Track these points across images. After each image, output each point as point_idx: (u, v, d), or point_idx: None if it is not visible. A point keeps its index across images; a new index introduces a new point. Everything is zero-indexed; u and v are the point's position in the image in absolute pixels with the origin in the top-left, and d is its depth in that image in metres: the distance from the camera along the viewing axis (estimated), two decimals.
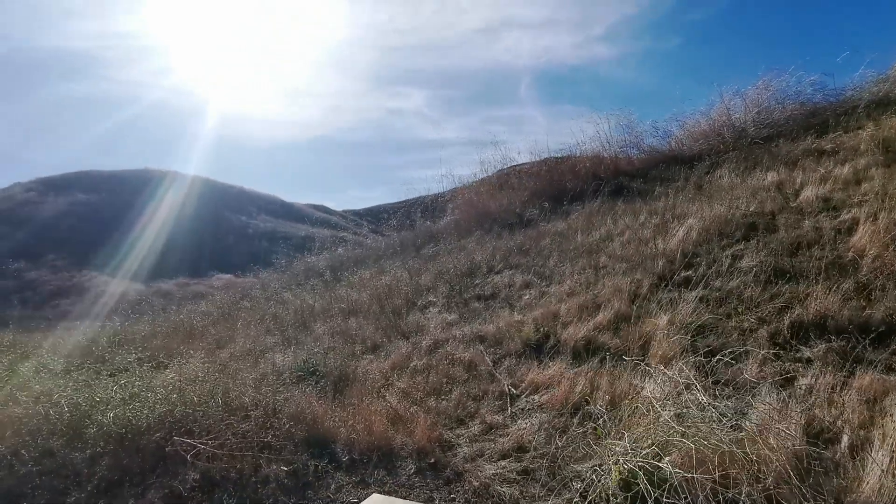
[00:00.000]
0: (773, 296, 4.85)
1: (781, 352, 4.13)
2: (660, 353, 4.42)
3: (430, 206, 13.39)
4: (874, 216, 5.52)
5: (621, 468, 2.80)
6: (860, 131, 7.96)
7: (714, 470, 2.61)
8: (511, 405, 4.38)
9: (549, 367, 4.76)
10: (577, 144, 11.86)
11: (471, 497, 3.36)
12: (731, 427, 2.97)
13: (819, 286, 4.71)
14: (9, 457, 3.82)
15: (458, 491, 3.44)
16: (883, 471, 2.76)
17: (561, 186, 10.56)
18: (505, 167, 12.77)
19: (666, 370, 3.70)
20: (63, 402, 4.19)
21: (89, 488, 3.50)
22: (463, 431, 4.15)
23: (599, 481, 2.87)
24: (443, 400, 4.63)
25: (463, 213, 11.45)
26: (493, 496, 3.29)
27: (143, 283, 20.37)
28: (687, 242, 6.22)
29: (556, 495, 3.12)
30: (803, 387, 3.65)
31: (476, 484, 3.42)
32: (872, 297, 4.51)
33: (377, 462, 3.82)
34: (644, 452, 2.81)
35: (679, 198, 7.88)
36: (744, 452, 2.68)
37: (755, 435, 2.85)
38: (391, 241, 11.97)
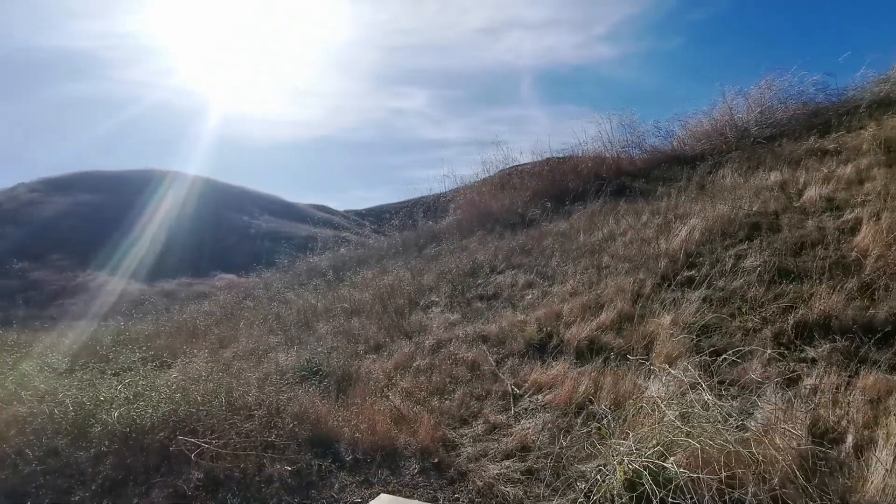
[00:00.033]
0: (776, 296, 4.84)
1: (786, 352, 4.13)
2: (664, 352, 4.42)
3: (432, 206, 13.39)
4: (877, 216, 5.52)
5: (626, 468, 2.80)
6: (862, 131, 7.96)
7: (720, 470, 2.61)
8: (514, 405, 4.38)
9: (553, 366, 4.76)
10: (580, 144, 11.85)
11: (475, 497, 3.36)
12: (737, 427, 2.97)
13: (823, 286, 4.71)
14: (13, 456, 3.83)
15: (461, 491, 3.44)
16: (887, 470, 2.76)
17: (563, 186, 10.55)
18: (507, 167, 12.76)
19: (671, 370, 3.68)
20: (68, 401, 4.20)
21: (93, 487, 3.50)
22: (466, 431, 4.15)
23: (604, 481, 2.87)
24: (446, 400, 4.63)
25: (465, 212, 11.45)
26: (497, 496, 3.29)
27: (145, 283, 20.40)
28: (690, 242, 6.22)
29: (560, 495, 3.12)
30: (808, 387, 3.65)
31: (480, 484, 3.42)
32: (876, 297, 4.51)
33: (381, 462, 3.82)
34: (649, 452, 2.81)
35: (682, 198, 7.87)
36: (750, 453, 2.68)
37: (761, 435, 2.85)
38: (393, 240, 11.96)
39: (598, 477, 2.95)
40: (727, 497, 2.57)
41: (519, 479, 3.42)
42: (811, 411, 3.31)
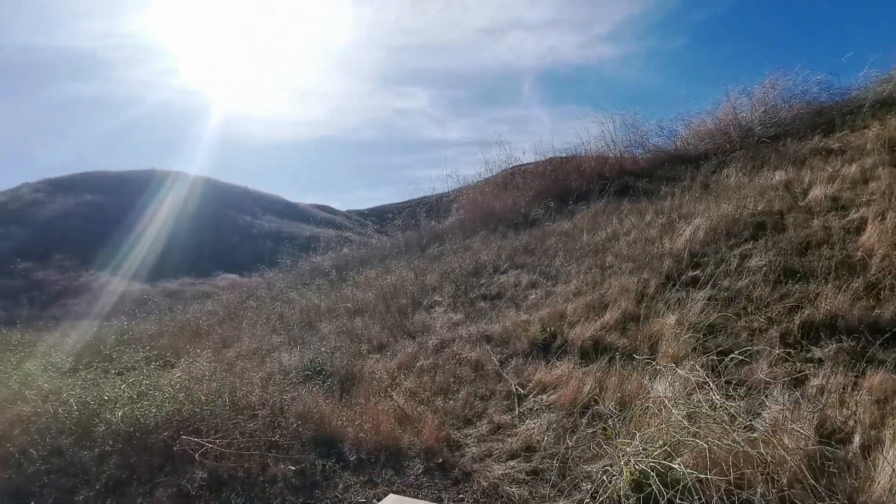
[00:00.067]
0: (782, 295, 4.82)
1: (792, 352, 4.10)
2: (669, 352, 4.40)
3: (434, 206, 13.38)
4: (882, 215, 5.50)
5: (632, 469, 2.78)
6: (866, 131, 7.93)
7: (729, 471, 2.59)
8: (519, 405, 4.36)
9: (557, 366, 4.74)
10: (582, 144, 11.83)
11: (480, 497, 3.34)
12: (745, 427, 2.95)
13: (829, 286, 4.69)
14: (17, 455, 3.83)
15: (466, 491, 3.42)
16: (894, 470, 2.74)
17: (566, 186, 10.53)
18: (510, 167, 12.73)
19: (679, 369, 3.67)
20: (72, 400, 4.20)
21: (98, 487, 3.50)
22: (471, 431, 4.14)
23: (610, 482, 2.86)
24: (450, 400, 4.62)
25: (468, 212, 11.44)
26: (503, 496, 3.28)
27: (148, 283, 20.43)
28: (694, 242, 6.19)
29: (566, 496, 3.10)
30: (815, 387, 3.63)
31: (485, 484, 3.41)
32: (882, 297, 4.49)
33: (385, 462, 3.81)
34: (656, 453, 2.79)
35: (685, 197, 7.84)
36: (758, 453, 2.66)
37: (769, 435, 2.83)
38: (396, 240, 11.96)
39: (605, 478, 2.93)
40: (735, 498, 2.56)
41: (524, 479, 3.40)
42: (818, 412, 3.29)
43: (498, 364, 5.08)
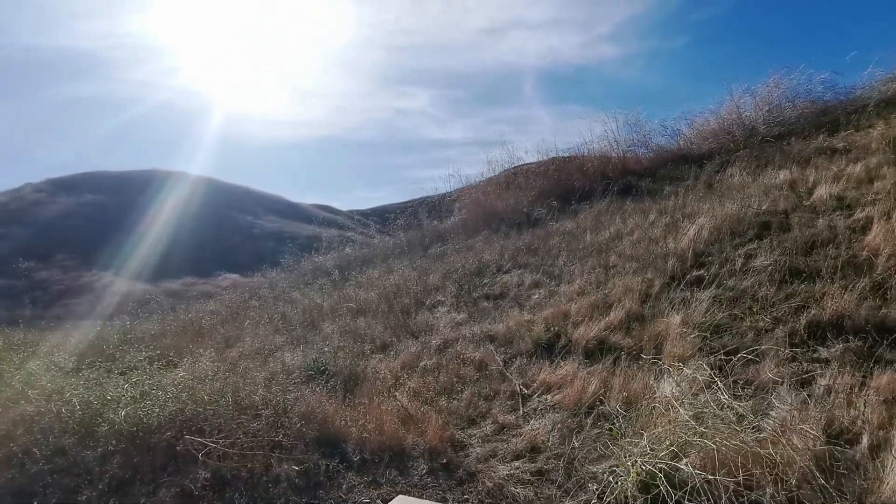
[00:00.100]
0: (788, 295, 4.79)
1: (798, 352, 4.08)
2: (674, 352, 4.38)
3: (436, 206, 13.34)
4: (888, 215, 5.48)
5: (639, 469, 2.76)
6: (871, 130, 7.91)
7: (738, 471, 2.57)
8: (523, 405, 4.34)
9: (561, 366, 4.72)
10: (585, 143, 11.81)
11: (484, 498, 3.32)
12: (753, 428, 2.92)
13: (835, 285, 4.66)
14: (20, 455, 3.81)
15: (471, 492, 3.40)
16: None
17: (569, 186, 10.51)
18: (512, 166, 12.71)
19: (686, 369, 3.64)
20: (75, 399, 4.18)
21: (101, 486, 3.48)
22: (475, 431, 4.12)
23: (617, 483, 2.83)
24: (454, 400, 4.60)
25: (470, 212, 11.42)
26: (508, 497, 3.26)
27: (150, 283, 20.45)
28: (698, 241, 6.17)
29: (571, 497, 3.08)
30: (822, 387, 3.60)
31: (490, 485, 3.39)
32: (888, 297, 4.47)
33: (389, 462, 3.79)
34: (663, 454, 2.77)
35: (689, 197, 7.82)
36: (767, 453, 2.63)
37: (778, 435, 2.80)
38: (398, 240, 11.93)
39: (611, 478, 2.91)
40: (744, 499, 2.54)
41: (529, 480, 3.38)
42: (826, 412, 3.26)
43: (502, 364, 5.06)
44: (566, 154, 12.20)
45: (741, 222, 6.23)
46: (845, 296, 4.47)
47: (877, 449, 3.01)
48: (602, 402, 4.02)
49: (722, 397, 3.06)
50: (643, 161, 10.84)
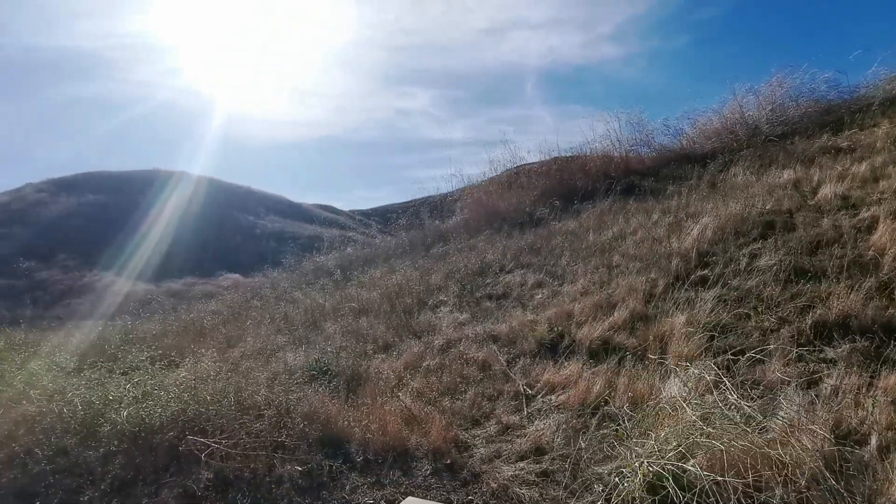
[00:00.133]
0: (793, 295, 4.76)
1: (804, 352, 4.05)
2: (679, 352, 4.35)
3: (438, 206, 13.31)
4: (893, 214, 5.45)
5: (646, 470, 2.73)
6: (875, 129, 7.88)
7: (747, 472, 2.54)
8: (527, 405, 4.31)
9: (565, 367, 4.70)
10: (587, 143, 11.79)
11: (489, 499, 3.30)
12: (761, 429, 2.89)
13: (841, 285, 4.63)
14: (22, 455, 3.81)
15: (475, 493, 3.38)
16: None
17: (571, 185, 10.48)
18: (514, 166, 12.69)
19: (695, 369, 3.61)
20: (76, 400, 4.17)
21: (103, 487, 3.47)
22: (479, 432, 4.09)
23: (623, 484, 2.80)
24: (457, 400, 4.57)
25: (472, 212, 11.40)
26: (513, 498, 3.23)
27: (152, 283, 20.44)
28: (702, 241, 6.14)
29: (577, 498, 3.06)
30: (829, 388, 3.57)
31: (494, 485, 3.36)
32: (895, 297, 4.43)
33: (392, 463, 3.77)
34: (670, 455, 2.74)
35: (692, 196, 7.79)
36: (777, 454, 2.60)
37: (788, 436, 2.77)
38: (400, 240, 11.91)
39: (617, 479, 2.88)
40: (754, 500, 2.51)
41: (534, 481, 3.35)
42: (834, 413, 3.23)
43: (505, 364, 5.03)
44: (568, 154, 12.19)
45: (745, 222, 6.20)
46: (851, 296, 4.44)
47: (885, 450, 2.98)
48: (607, 403, 3.99)
49: (730, 397, 3.02)
50: (646, 160, 10.81)
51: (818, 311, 4.43)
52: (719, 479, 2.53)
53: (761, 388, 3.64)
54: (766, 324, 4.51)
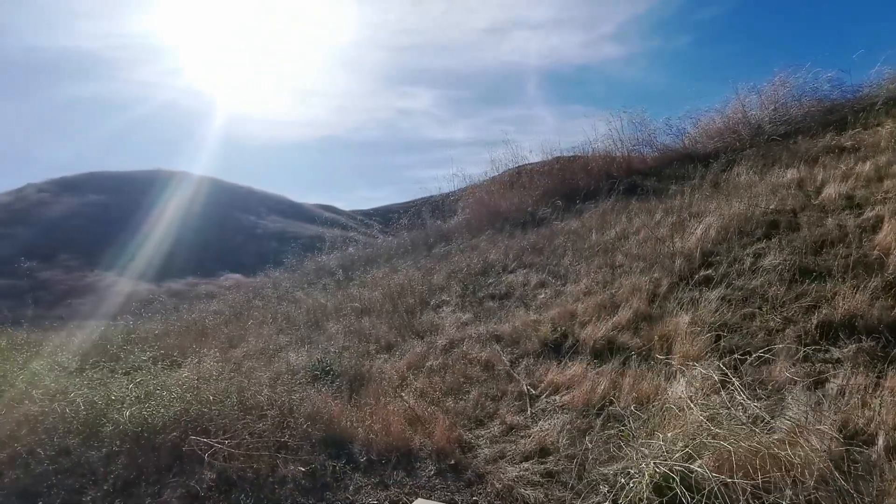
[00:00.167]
0: (798, 295, 4.74)
1: (810, 352, 4.02)
2: (684, 352, 4.32)
3: (440, 206, 13.28)
4: None
5: (653, 471, 2.71)
6: (879, 128, 7.85)
7: (756, 473, 2.52)
8: (531, 406, 4.29)
9: (569, 367, 4.68)
10: (589, 143, 11.75)
11: (494, 499, 3.28)
12: (769, 429, 2.87)
13: (846, 285, 4.60)
14: (25, 455, 3.80)
15: (480, 493, 3.36)
16: None
17: (573, 185, 10.46)
18: (516, 166, 12.66)
19: (700, 368, 3.59)
20: (79, 400, 4.16)
21: (105, 487, 3.45)
22: (483, 432, 4.07)
23: (630, 485, 2.78)
24: (461, 400, 4.56)
25: (474, 212, 11.37)
26: (517, 499, 3.21)
27: (153, 283, 20.46)
28: (706, 241, 6.11)
29: (583, 499, 3.04)
30: (835, 388, 3.55)
31: (499, 486, 3.35)
32: None
33: (396, 463, 3.75)
34: (677, 455, 2.72)
35: (695, 196, 7.75)
36: (785, 455, 2.58)
37: (796, 437, 2.75)
38: (402, 240, 11.89)
39: (624, 480, 2.86)
40: (762, 501, 2.48)
41: (539, 481, 3.33)
42: (841, 413, 3.21)
43: (508, 364, 5.01)
44: (570, 153, 12.17)
45: (749, 221, 6.17)
46: (857, 295, 4.42)
47: (893, 450, 2.96)
48: (612, 403, 3.97)
49: (738, 397, 3.00)
50: (648, 160, 10.78)
51: (824, 311, 4.41)
52: (728, 480, 2.51)
53: (768, 388, 3.62)
54: (772, 324, 4.48)
